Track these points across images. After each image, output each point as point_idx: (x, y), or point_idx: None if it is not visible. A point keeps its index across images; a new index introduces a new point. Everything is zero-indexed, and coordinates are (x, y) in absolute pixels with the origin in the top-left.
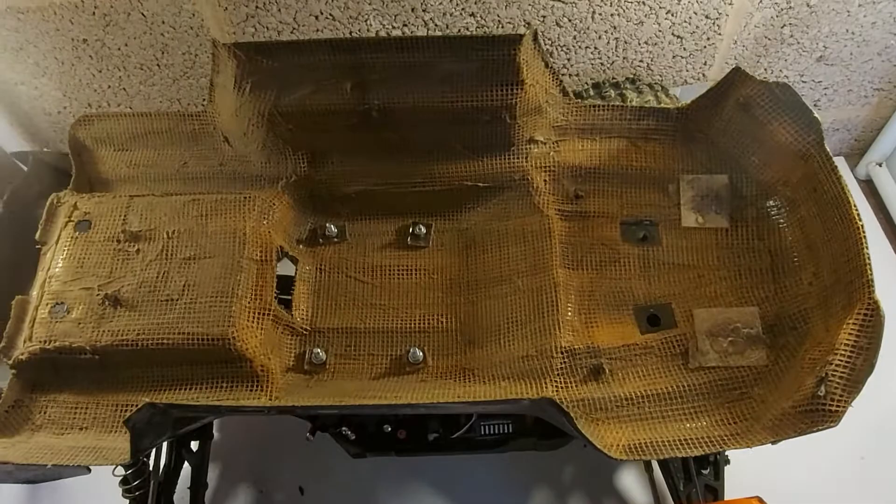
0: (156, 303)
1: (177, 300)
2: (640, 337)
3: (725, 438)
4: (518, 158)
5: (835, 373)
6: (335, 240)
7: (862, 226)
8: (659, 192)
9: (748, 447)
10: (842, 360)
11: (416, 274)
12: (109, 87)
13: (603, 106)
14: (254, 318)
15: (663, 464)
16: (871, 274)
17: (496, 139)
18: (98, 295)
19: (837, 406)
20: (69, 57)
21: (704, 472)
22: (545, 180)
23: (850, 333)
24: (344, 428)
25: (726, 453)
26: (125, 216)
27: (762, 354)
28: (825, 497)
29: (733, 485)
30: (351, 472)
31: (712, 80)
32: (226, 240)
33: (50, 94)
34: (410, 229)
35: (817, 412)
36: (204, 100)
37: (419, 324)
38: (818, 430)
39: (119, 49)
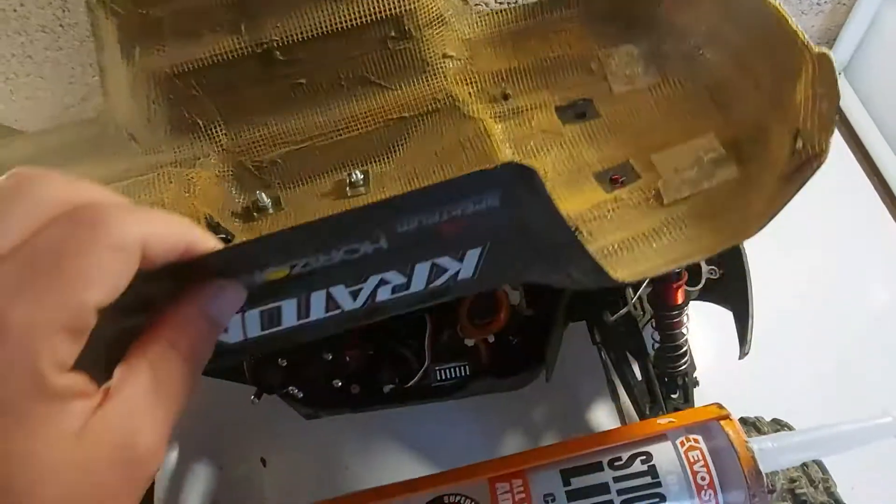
0: None
1: None
2: (608, 195)
3: (723, 240)
4: (436, 78)
5: (805, 123)
6: (271, 212)
7: (776, 4)
8: (584, 73)
9: (750, 236)
10: (807, 112)
11: None
12: (13, 55)
13: (507, 10)
14: None
15: (630, 392)
16: (805, 37)
17: (408, 60)
18: None
19: (818, 147)
20: None
21: (674, 396)
22: (469, 92)
23: (806, 91)
24: (291, 388)
25: (695, 375)
26: None
27: (732, 168)
28: (797, 413)
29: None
30: (313, 436)
31: None
32: None
33: None
34: (348, 180)
35: (803, 164)
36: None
37: None
38: (811, 175)
39: (15, 10)
